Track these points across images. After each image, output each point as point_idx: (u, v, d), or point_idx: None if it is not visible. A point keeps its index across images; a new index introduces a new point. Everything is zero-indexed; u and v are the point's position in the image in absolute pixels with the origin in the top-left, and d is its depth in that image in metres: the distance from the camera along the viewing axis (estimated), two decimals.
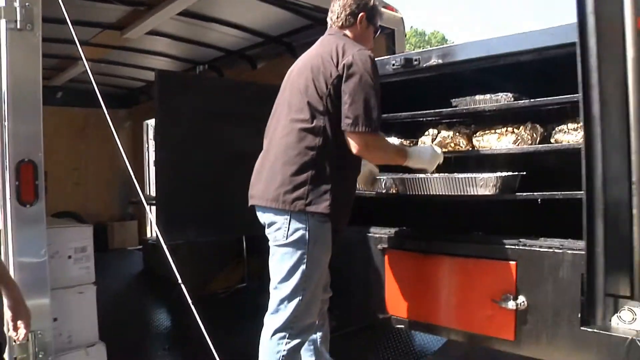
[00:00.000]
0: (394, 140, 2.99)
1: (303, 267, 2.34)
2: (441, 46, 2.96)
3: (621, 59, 1.96)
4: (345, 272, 3.10)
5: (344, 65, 2.30)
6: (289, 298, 2.36)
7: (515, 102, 2.68)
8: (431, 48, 2.94)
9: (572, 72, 2.68)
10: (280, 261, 2.39)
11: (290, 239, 2.34)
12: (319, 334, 2.73)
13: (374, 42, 2.69)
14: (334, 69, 2.32)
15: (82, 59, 2.77)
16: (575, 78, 2.68)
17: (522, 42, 2.57)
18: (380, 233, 3.01)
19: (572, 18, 2.15)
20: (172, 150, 2.97)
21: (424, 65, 2.83)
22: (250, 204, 2.51)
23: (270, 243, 2.45)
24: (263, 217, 2.46)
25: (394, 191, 2.92)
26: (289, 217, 2.33)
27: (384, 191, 2.96)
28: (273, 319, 2.40)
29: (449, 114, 2.87)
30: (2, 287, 1.95)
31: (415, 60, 2.84)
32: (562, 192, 2.47)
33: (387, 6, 3.94)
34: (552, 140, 2.68)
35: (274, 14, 4.41)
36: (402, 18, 4.07)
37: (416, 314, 2.90)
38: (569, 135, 2.61)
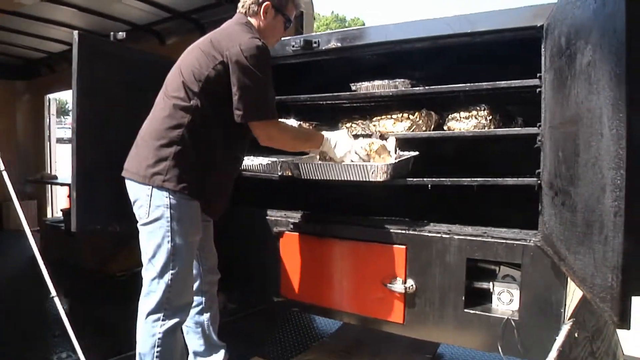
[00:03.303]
0: (292, 122, 2.95)
1: (168, 245, 2.28)
2: (340, 29, 2.94)
3: None
4: (242, 255, 3.07)
5: (228, 54, 2.25)
6: (158, 277, 2.30)
7: (411, 88, 2.71)
8: (330, 31, 2.89)
9: (466, 62, 2.77)
10: (147, 240, 2.33)
11: (152, 216, 2.28)
12: (206, 316, 2.69)
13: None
14: (217, 55, 2.28)
15: None
16: (468, 67, 2.78)
17: (418, 30, 2.59)
18: (276, 216, 2.98)
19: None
20: (92, 125, 2.74)
21: (323, 47, 2.80)
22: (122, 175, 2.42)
23: (137, 222, 2.38)
24: (130, 193, 2.39)
25: (288, 173, 2.89)
26: (150, 193, 2.28)
27: (279, 174, 2.93)
28: (145, 301, 2.34)
29: (346, 98, 2.87)
30: None
31: (315, 42, 2.81)
32: (450, 179, 2.53)
33: None
34: (445, 128, 2.74)
35: None
36: (311, 0, 4.02)
37: (310, 297, 2.91)
38: (461, 123, 2.68)
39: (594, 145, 1.42)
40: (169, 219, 2.27)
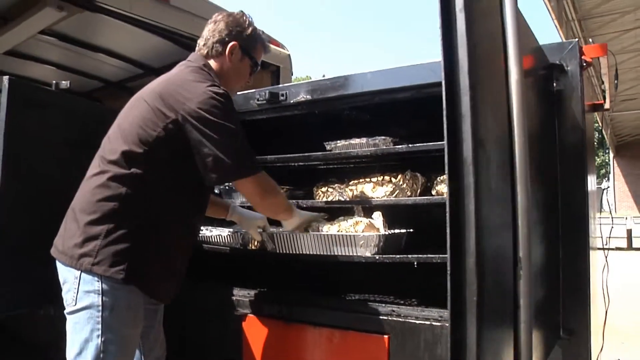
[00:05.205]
0: None
1: (98, 341, 1.85)
2: (311, 80, 2.59)
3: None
4: (199, 340, 2.61)
5: (184, 112, 1.89)
6: None
7: (392, 147, 2.33)
8: (300, 82, 2.55)
9: None
10: (72, 332, 1.90)
11: (80, 303, 1.87)
12: None
13: (253, 78, 2.29)
14: (169, 111, 1.91)
15: None
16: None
17: (399, 78, 2.23)
18: (238, 295, 2.52)
19: None
20: (21, 191, 2.38)
21: (292, 101, 2.44)
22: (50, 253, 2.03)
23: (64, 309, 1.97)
24: (58, 274, 1.98)
25: (254, 247, 2.47)
26: (79, 276, 1.87)
27: (239, 247, 2.53)
28: None
29: (319, 159, 2.49)
30: None
31: (282, 95, 2.45)
32: (440, 255, 2.08)
33: (271, 41, 3.60)
34: (434, 192, 2.35)
35: (154, 44, 4.03)
36: (289, 55, 3.72)
37: None
38: None
39: None
40: (100, 309, 1.86)
